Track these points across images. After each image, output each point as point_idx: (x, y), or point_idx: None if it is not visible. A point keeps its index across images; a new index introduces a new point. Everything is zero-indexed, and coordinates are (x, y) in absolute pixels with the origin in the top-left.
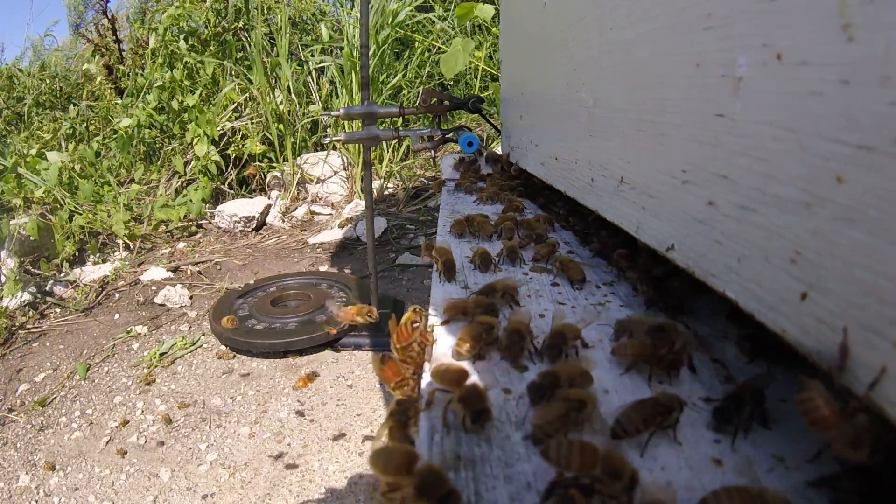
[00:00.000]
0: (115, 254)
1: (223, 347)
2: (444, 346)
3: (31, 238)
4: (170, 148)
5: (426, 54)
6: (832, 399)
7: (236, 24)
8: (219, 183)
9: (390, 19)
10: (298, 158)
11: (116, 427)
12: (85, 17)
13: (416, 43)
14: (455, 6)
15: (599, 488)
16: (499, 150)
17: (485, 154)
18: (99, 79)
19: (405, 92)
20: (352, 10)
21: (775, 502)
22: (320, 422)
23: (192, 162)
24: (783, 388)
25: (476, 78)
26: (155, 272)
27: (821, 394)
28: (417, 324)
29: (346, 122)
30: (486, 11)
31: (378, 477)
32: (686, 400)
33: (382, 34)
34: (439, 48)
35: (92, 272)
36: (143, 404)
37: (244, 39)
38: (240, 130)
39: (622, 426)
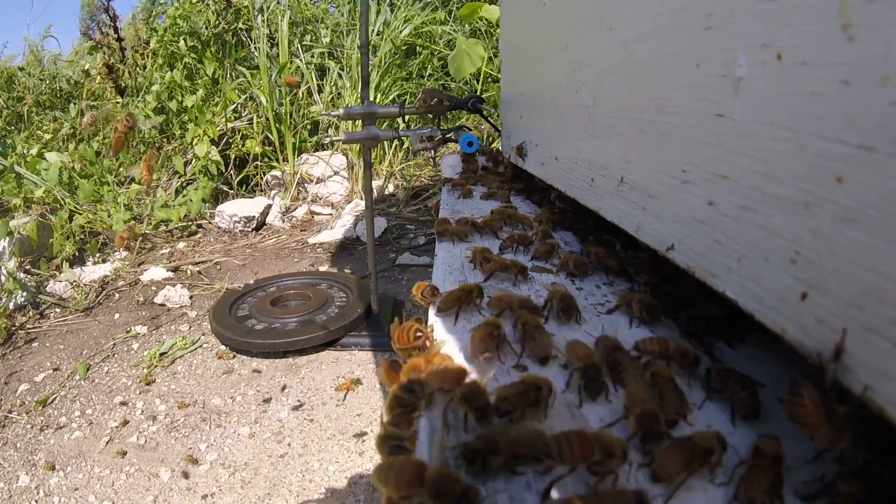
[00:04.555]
0: (115, 254)
1: (223, 347)
2: (445, 346)
3: (31, 239)
4: (170, 148)
5: (430, 59)
6: (820, 401)
7: (236, 24)
8: (219, 183)
9: (394, 33)
10: (298, 158)
11: (116, 427)
12: (97, 17)
13: (420, 48)
14: (459, 7)
15: (596, 469)
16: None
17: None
18: (98, 77)
19: (408, 96)
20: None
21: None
22: (320, 422)
23: (192, 162)
24: (782, 388)
25: (478, 81)
26: (155, 272)
27: (811, 396)
28: (421, 333)
29: (346, 122)
30: (492, 12)
31: (390, 494)
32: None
33: (384, 49)
34: (441, 51)
35: (92, 272)
36: (143, 404)
37: (244, 40)
38: (240, 131)
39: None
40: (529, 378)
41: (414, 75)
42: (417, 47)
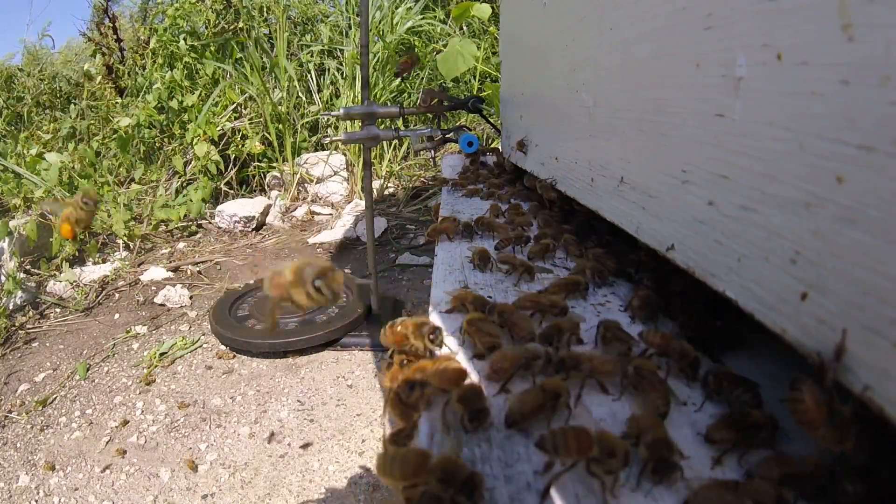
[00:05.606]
0: (115, 254)
1: (223, 347)
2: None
3: (30, 239)
4: (170, 148)
5: (428, 58)
6: (822, 399)
7: (236, 24)
8: (219, 183)
9: (391, 28)
10: (298, 158)
11: (116, 427)
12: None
13: (417, 48)
14: (454, 5)
15: (594, 468)
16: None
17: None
18: (98, 78)
19: (406, 95)
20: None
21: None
22: (320, 422)
23: (192, 162)
24: (783, 388)
25: (475, 78)
26: (155, 272)
27: (811, 394)
28: (408, 339)
29: (346, 122)
30: (483, 11)
31: (395, 484)
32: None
33: (381, 44)
34: (440, 51)
35: (92, 272)
36: (143, 404)
37: (245, 39)
38: (240, 130)
39: None
40: (550, 384)
41: (411, 75)
42: (416, 47)
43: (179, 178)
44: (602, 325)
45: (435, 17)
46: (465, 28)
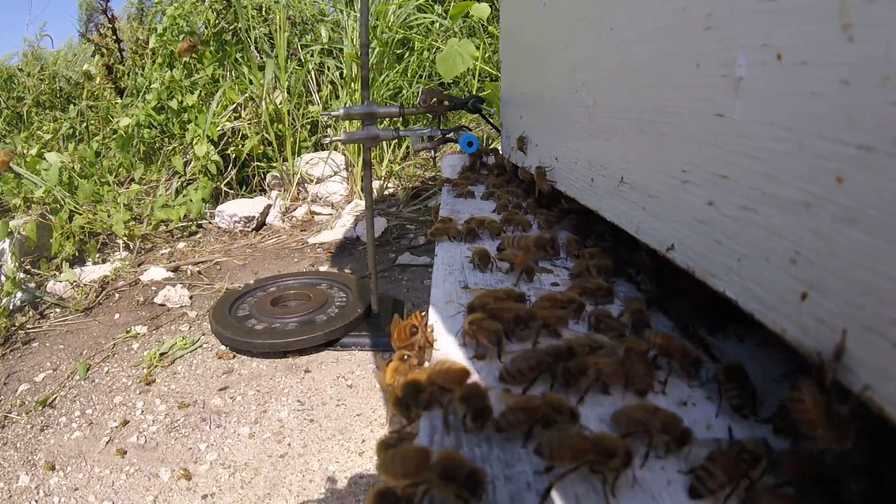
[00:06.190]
0: (115, 254)
1: (223, 347)
2: (445, 345)
3: (30, 239)
4: (170, 148)
5: (425, 54)
6: (821, 400)
7: (236, 23)
8: (219, 183)
9: (388, 22)
10: (298, 158)
11: (116, 427)
12: (95, 18)
13: (416, 43)
14: (452, 5)
15: (598, 469)
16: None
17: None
18: (98, 79)
19: (405, 92)
20: (352, 10)
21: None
22: (320, 422)
23: (192, 162)
24: (784, 388)
25: (474, 77)
26: (155, 272)
27: (811, 395)
28: (416, 329)
29: (346, 122)
30: (481, 10)
31: (396, 482)
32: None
33: (382, 38)
34: (438, 48)
35: (92, 272)
36: (143, 404)
37: (245, 40)
38: (239, 130)
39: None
40: (553, 398)
41: (409, 74)
42: (415, 42)
43: (179, 178)
44: (593, 314)
45: (434, 11)
46: (462, 26)
